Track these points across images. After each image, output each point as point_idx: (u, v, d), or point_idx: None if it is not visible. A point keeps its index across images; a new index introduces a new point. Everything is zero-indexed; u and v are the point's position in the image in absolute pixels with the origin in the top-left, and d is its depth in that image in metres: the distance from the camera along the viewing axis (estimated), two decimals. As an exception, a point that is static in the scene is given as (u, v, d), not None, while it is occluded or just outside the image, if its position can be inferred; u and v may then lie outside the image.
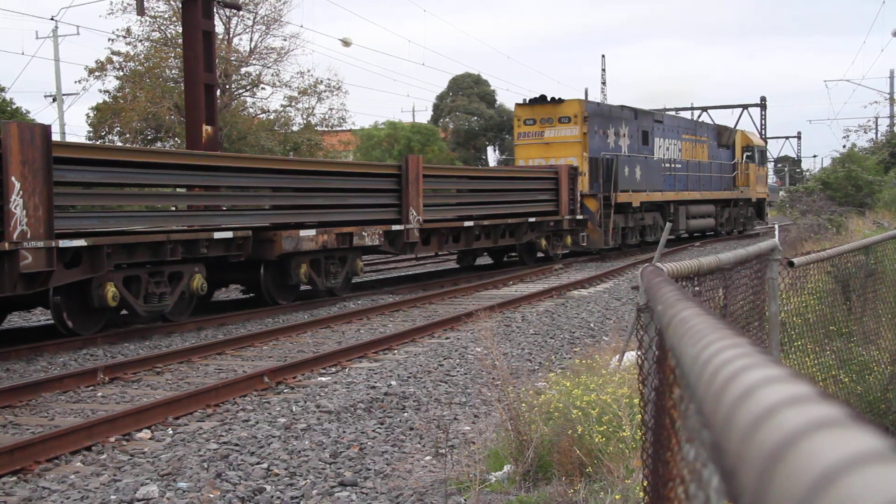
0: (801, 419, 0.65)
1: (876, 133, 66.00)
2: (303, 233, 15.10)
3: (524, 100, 26.56)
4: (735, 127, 43.74)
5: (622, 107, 28.09)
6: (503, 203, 21.49)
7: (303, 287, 16.18)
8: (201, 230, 13.56)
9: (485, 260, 25.16)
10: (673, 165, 29.93)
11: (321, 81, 41.49)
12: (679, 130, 31.39)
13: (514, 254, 23.87)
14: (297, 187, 15.79)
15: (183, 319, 13.58)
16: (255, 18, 38.28)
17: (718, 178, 33.83)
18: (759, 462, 0.65)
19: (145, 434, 7.42)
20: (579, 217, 24.03)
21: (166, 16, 36.21)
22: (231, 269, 15.29)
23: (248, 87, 39.87)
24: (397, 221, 17.51)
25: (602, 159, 25.34)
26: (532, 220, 22.12)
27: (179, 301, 13.51)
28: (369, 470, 6.41)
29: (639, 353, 3.22)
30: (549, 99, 25.84)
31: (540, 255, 23.65)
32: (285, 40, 41.88)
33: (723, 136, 35.25)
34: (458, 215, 20.08)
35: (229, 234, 13.87)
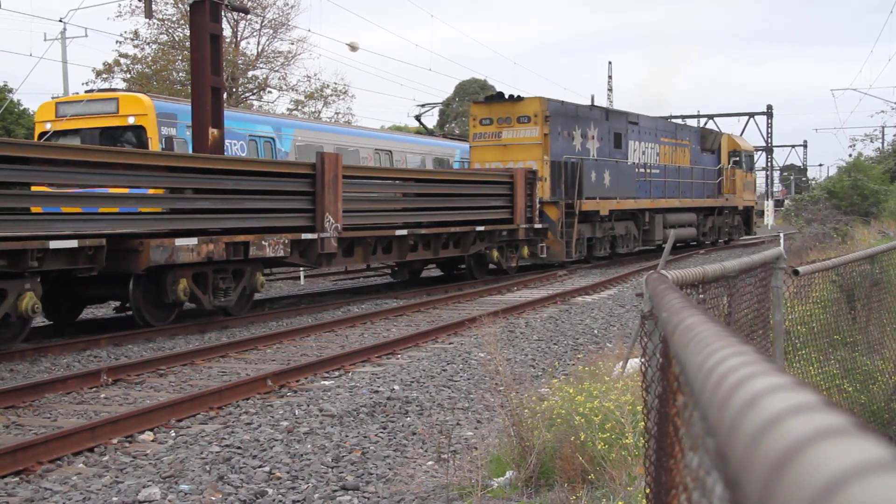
0: (807, 428, 0.65)
1: (882, 142, 66.09)
2: (179, 241, 12.66)
3: (481, 97, 24.48)
4: (744, 130, 43.37)
5: (591, 106, 25.97)
6: (445, 209, 18.97)
7: (187, 306, 14.02)
8: (30, 238, 11.09)
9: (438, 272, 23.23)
10: (649, 171, 27.60)
11: (328, 85, 41.65)
12: (657, 133, 29.02)
13: (464, 266, 21.69)
14: (174, 187, 13.45)
15: (11, 348, 11.23)
16: (262, 22, 38.43)
17: (701, 185, 31.50)
18: (764, 470, 0.65)
19: (148, 436, 7.42)
20: (538, 226, 21.72)
21: (174, 19, 36.38)
22: (100, 284, 13.18)
23: (255, 91, 40.00)
24: (310, 229, 15.16)
25: (565, 163, 23.28)
26: (481, 228, 19.74)
27: (2, 326, 11.11)
28: (371, 474, 6.41)
29: (642, 360, 3.21)
30: (506, 97, 23.86)
31: (492, 267, 21.33)
32: (292, 44, 42.05)
33: (707, 139, 33.16)
34: (390, 222, 17.69)
35: (73, 244, 11.31)
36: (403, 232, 17.54)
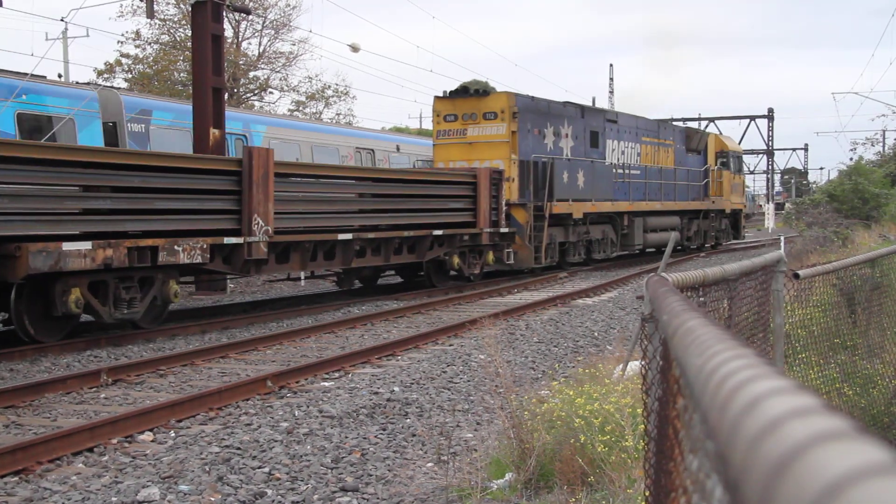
0: (807, 431, 0.65)
1: (883, 146, 66.17)
2: (68, 246, 11.09)
3: (444, 92, 22.59)
4: (745, 133, 42.87)
5: (565, 103, 24.27)
6: (396, 212, 17.32)
7: (85, 318, 12.57)
8: None
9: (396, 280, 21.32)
10: (628, 171, 26.03)
11: (329, 86, 41.69)
12: (638, 132, 27.40)
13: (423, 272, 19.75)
14: (64, 184, 11.59)
15: None
16: (264, 23, 38.43)
17: (685, 187, 29.75)
18: (764, 473, 0.65)
19: (147, 436, 7.42)
20: (503, 230, 20.09)
21: (175, 19, 36.38)
22: None
23: (257, 92, 40.01)
24: (234, 232, 13.60)
25: (535, 163, 21.73)
26: (438, 232, 18.08)
27: None
28: (371, 475, 6.41)
29: (643, 362, 3.22)
30: (471, 91, 22.14)
31: (453, 273, 19.76)
32: (294, 45, 42.02)
33: (692, 139, 31.46)
34: (331, 225, 15.96)
35: None
36: (348, 236, 15.88)
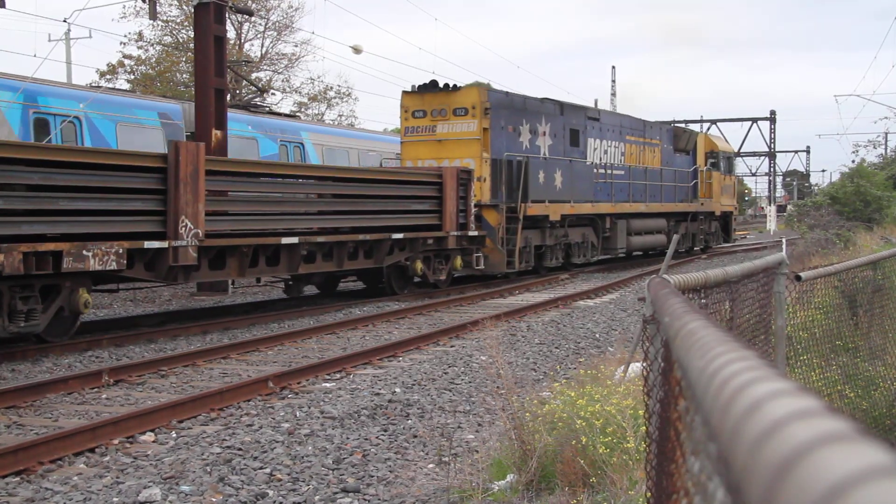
0: (810, 433, 0.65)
1: (885, 148, 66.16)
2: None
3: (412, 86, 21.24)
4: (747, 135, 42.60)
5: (543, 99, 22.91)
6: (351, 213, 16.25)
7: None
8: None
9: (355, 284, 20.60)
10: (610, 171, 24.84)
11: (331, 88, 41.72)
12: (622, 131, 26.13)
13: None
14: None
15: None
16: (266, 24, 38.48)
17: (672, 188, 28.61)
18: (766, 475, 0.65)
19: (149, 437, 7.42)
20: (472, 233, 18.90)
21: (178, 20, 36.42)
22: None
23: (259, 93, 40.02)
24: (158, 236, 12.30)
25: (507, 161, 20.57)
26: (398, 236, 16.88)
27: None
28: (372, 477, 6.41)
29: (644, 364, 3.22)
30: (440, 85, 20.87)
31: (418, 279, 18.60)
32: (296, 46, 42.11)
33: (680, 139, 30.24)
34: (274, 228, 14.59)
35: None
36: (293, 240, 14.51)
